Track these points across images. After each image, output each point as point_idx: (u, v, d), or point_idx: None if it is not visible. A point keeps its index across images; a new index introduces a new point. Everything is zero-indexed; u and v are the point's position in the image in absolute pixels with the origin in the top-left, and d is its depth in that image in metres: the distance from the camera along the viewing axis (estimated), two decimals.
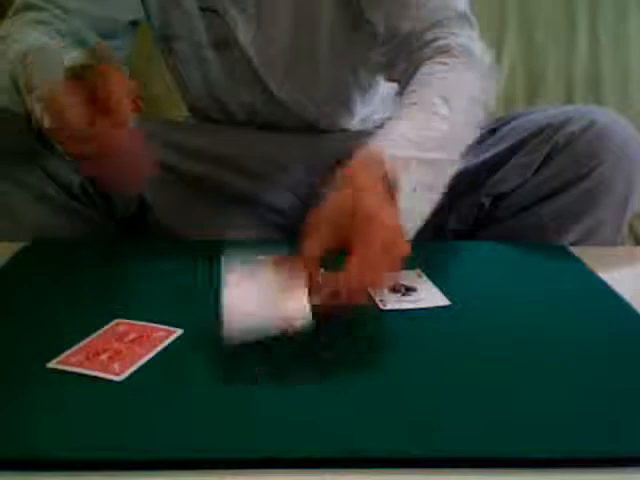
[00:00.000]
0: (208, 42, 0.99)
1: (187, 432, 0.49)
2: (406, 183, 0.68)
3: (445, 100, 0.77)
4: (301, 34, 0.97)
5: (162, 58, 1.07)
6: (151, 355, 0.59)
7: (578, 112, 0.87)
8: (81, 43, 0.89)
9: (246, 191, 1.01)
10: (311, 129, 1.06)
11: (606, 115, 0.88)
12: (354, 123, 1.08)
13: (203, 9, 0.97)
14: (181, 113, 1.17)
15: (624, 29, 1.75)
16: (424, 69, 0.83)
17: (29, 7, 0.90)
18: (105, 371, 0.56)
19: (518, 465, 0.46)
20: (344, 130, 1.08)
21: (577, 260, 0.82)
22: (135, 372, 0.56)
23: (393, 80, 0.93)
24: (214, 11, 0.96)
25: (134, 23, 0.98)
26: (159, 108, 1.43)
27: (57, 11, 0.89)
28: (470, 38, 0.86)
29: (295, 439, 0.48)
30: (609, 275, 0.76)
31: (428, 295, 0.71)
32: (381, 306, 0.69)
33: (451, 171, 0.75)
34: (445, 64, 0.83)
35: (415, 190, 0.69)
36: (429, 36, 0.86)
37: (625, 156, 0.85)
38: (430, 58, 0.84)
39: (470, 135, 0.80)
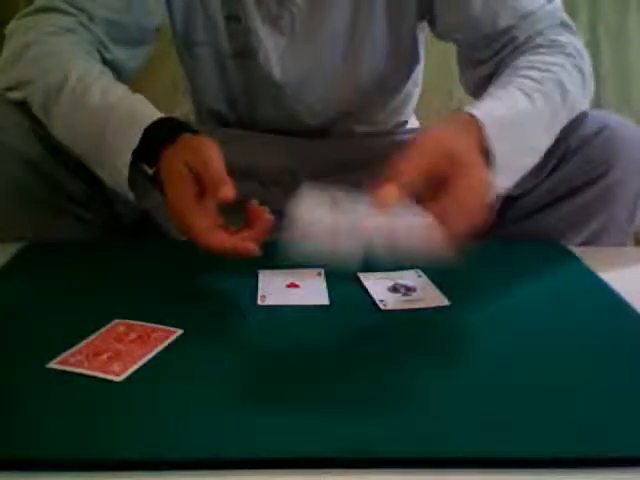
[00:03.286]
0: (230, 51, 0.98)
1: (187, 432, 0.49)
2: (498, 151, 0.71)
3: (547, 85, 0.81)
4: (345, 57, 0.97)
5: (178, 60, 1.06)
6: (151, 355, 0.59)
7: (589, 116, 0.88)
8: (104, 52, 0.89)
9: (252, 195, 1.01)
10: (321, 134, 1.06)
11: (617, 119, 0.88)
12: (366, 128, 1.09)
13: (227, 17, 0.96)
14: (181, 113, 1.17)
15: (624, 29, 1.75)
16: (532, 57, 0.85)
17: (51, 9, 0.87)
18: (105, 371, 0.56)
19: (518, 465, 0.46)
20: (352, 132, 1.08)
21: (577, 260, 0.82)
22: (135, 372, 0.56)
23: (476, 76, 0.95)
24: (238, 20, 0.95)
25: (158, 29, 0.97)
26: (159, 108, 1.43)
27: (83, 17, 0.87)
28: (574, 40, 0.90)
29: (295, 439, 0.48)
30: (609, 275, 0.76)
31: (428, 295, 0.71)
32: (381, 306, 0.69)
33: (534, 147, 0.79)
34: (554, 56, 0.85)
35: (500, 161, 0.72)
36: (535, 33, 0.88)
37: (636, 160, 0.85)
38: (541, 47, 0.87)
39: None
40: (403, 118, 1.13)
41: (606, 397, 0.53)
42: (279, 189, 1.01)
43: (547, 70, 0.82)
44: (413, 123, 1.17)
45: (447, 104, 1.70)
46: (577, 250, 0.85)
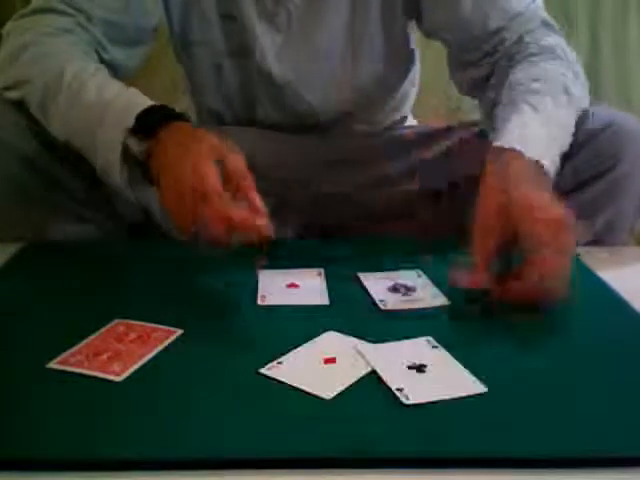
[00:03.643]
0: (226, 50, 0.98)
1: (187, 432, 0.49)
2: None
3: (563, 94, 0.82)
4: (343, 58, 0.98)
5: (176, 60, 1.06)
6: (151, 355, 0.59)
7: (596, 111, 0.88)
8: (102, 52, 0.89)
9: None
10: (320, 133, 1.06)
11: (623, 114, 0.89)
12: (365, 127, 1.09)
13: (223, 16, 0.96)
14: (180, 109, 1.17)
15: (624, 29, 1.75)
16: (530, 68, 0.86)
17: (48, 10, 0.87)
18: (105, 371, 0.56)
19: (518, 465, 0.46)
20: (351, 131, 1.08)
21: (577, 260, 0.82)
22: (135, 372, 0.56)
23: (470, 78, 0.96)
24: (234, 19, 0.95)
25: (156, 29, 0.96)
26: None
27: (81, 18, 0.87)
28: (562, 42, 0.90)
29: (295, 439, 0.48)
30: (609, 275, 0.76)
31: (428, 295, 0.71)
32: (381, 306, 0.69)
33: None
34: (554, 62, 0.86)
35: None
36: (526, 34, 0.89)
37: None
38: (534, 56, 0.87)
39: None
40: (401, 117, 1.14)
41: (606, 397, 0.53)
42: (280, 187, 1.01)
43: (551, 80, 0.83)
44: (411, 121, 1.18)
45: (445, 103, 1.70)
46: (577, 249, 0.85)
